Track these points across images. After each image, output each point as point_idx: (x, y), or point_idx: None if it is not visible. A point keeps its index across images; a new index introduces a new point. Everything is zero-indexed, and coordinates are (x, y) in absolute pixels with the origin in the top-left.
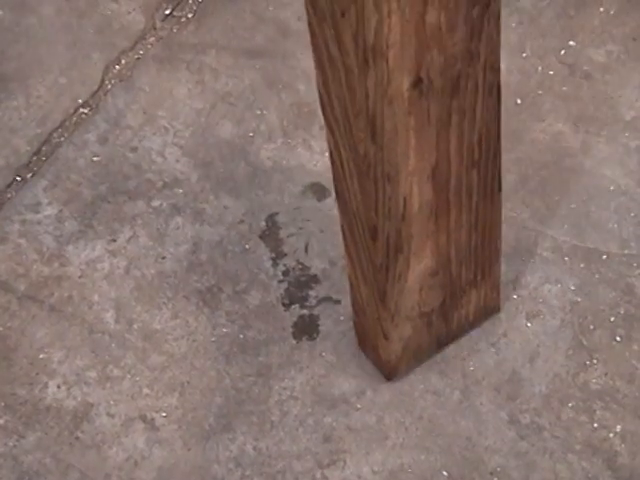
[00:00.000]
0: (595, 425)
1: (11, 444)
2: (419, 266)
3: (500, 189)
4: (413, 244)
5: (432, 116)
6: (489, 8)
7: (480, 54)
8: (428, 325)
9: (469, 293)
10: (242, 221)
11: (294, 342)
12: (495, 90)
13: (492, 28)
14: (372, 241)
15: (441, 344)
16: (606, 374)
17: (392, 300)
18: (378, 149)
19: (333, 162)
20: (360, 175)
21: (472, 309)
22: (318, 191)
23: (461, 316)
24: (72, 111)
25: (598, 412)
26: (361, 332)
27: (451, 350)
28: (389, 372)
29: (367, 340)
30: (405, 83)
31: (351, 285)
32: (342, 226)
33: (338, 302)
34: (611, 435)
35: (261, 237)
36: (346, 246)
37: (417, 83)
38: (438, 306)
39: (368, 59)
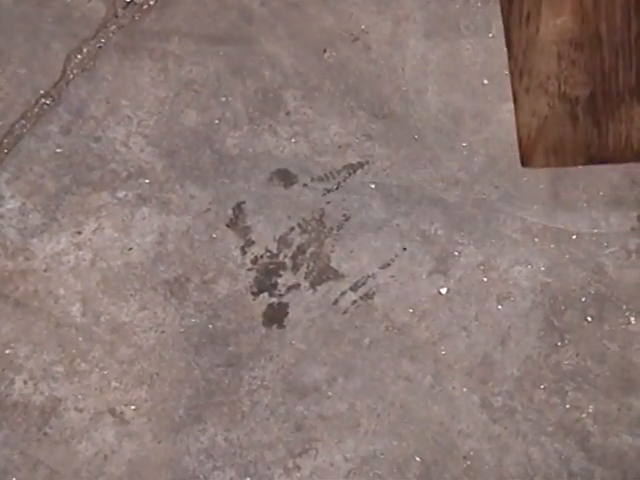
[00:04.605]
0: (567, 406)
1: None
2: (554, 20)
3: None
4: None
5: None
6: None
7: None
8: (572, 119)
9: (630, 107)
10: (209, 210)
11: (264, 331)
12: None
13: None
14: None
15: (592, 157)
16: (577, 355)
17: (520, 49)
18: None
19: None
20: None
21: (635, 133)
22: (285, 178)
23: (620, 134)
24: (33, 102)
25: (570, 393)
26: None
27: (422, 335)
28: (522, 156)
29: None
30: None
31: None
32: None
33: (307, 289)
34: (583, 416)
35: (228, 225)
36: None
37: None
38: (585, 99)
39: None
